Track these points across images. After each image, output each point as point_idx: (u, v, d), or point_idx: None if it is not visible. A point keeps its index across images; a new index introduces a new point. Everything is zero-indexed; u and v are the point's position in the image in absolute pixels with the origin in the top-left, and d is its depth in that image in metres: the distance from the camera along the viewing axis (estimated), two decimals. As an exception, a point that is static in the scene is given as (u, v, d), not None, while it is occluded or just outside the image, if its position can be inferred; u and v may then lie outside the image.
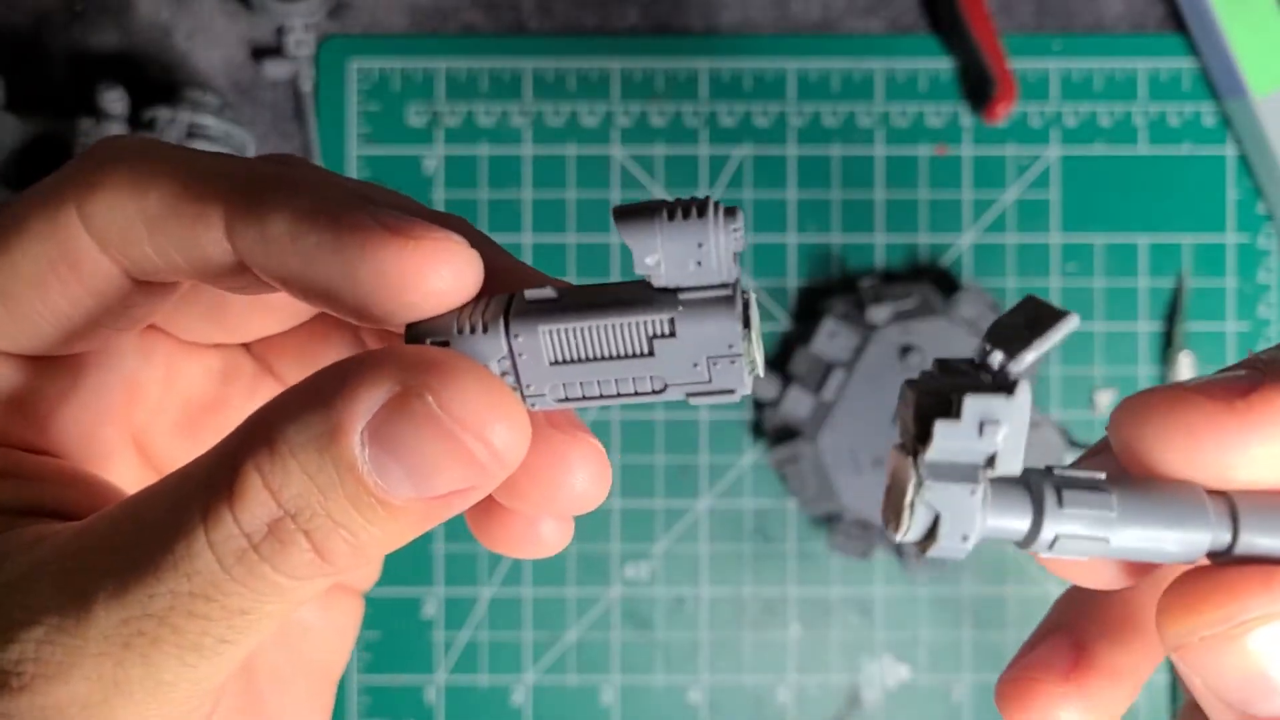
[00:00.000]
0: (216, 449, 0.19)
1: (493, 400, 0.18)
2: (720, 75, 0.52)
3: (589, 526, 0.51)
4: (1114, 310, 0.52)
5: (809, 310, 0.51)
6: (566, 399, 0.19)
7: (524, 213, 0.51)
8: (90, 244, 0.20)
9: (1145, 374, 0.52)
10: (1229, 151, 0.52)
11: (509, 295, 0.19)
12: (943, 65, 0.52)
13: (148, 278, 0.21)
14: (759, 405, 0.51)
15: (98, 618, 0.18)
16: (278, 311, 0.24)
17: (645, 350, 0.18)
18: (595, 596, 0.52)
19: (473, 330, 0.18)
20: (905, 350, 0.48)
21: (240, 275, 0.20)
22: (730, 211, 0.18)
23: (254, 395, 0.26)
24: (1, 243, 0.21)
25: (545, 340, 0.18)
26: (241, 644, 0.19)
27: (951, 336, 0.49)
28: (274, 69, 0.51)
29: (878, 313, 0.48)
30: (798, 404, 0.49)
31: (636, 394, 0.19)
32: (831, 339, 0.49)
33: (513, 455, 0.18)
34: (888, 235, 0.52)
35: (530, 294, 0.19)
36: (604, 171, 0.52)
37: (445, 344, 0.19)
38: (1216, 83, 0.51)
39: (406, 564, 0.51)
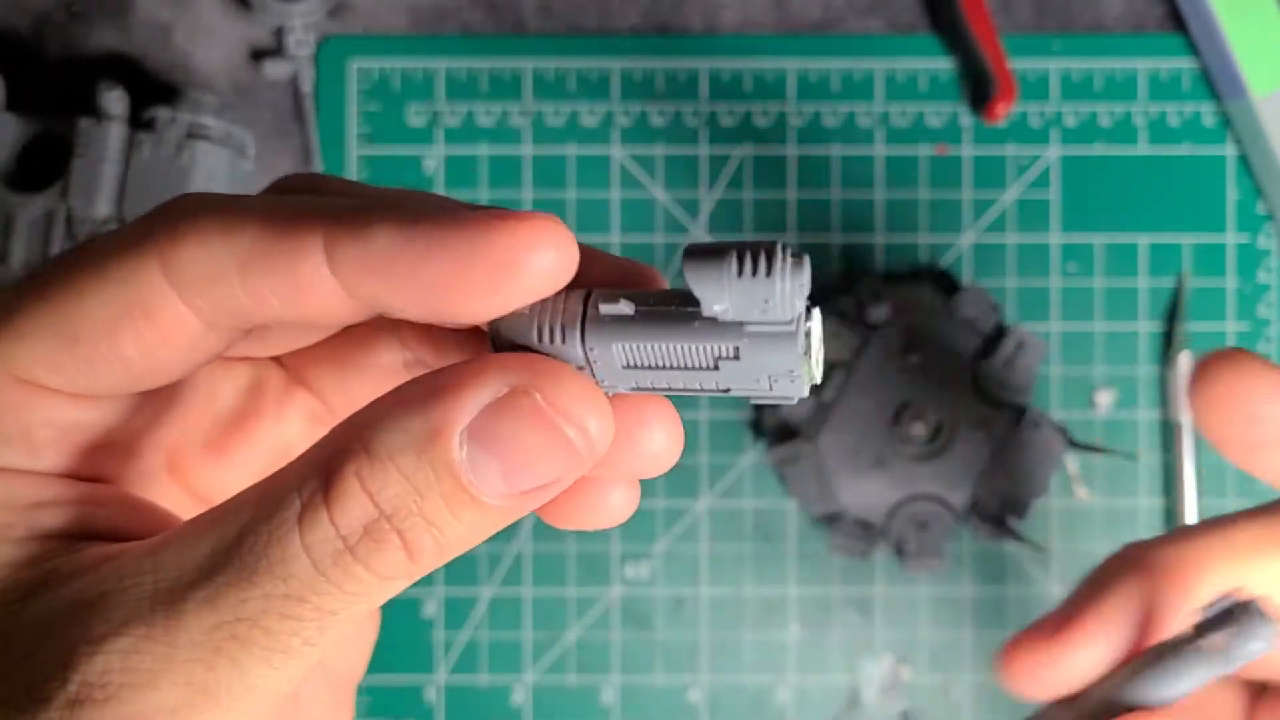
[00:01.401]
0: (305, 459, 0.19)
1: (590, 394, 0.20)
2: (720, 75, 0.52)
3: (589, 526, 0.51)
4: (1114, 310, 0.52)
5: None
6: (637, 388, 0.21)
7: (524, 213, 0.51)
8: (169, 294, 0.20)
9: (1145, 374, 0.52)
10: (1229, 151, 0.52)
11: (583, 298, 0.20)
12: (943, 65, 0.52)
13: (235, 323, 0.21)
14: (758, 405, 0.51)
15: (188, 624, 0.19)
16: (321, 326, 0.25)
17: (711, 366, 0.20)
18: (595, 596, 0.52)
19: (552, 339, 0.20)
20: (905, 349, 0.48)
21: (334, 308, 0.20)
22: (798, 260, 0.19)
23: (283, 407, 0.26)
24: (78, 287, 0.21)
25: (618, 352, 0.20)
26: (321, 646, 0.19)
27: (951, 336, 0.49)
28: (274, 69, 0.51)
29: (878, 312, 0.48)
30: (798, 403, 0.49)
31: (702, 390, 0.20)
32: (832, 339, 0.49)
33: (604, 443, 0.20)
34: (888, 235, 0.52)
35: (605, 308, 0.20)
36: (604, 171, 0.52)
37: (526, 348, 0.20)
38: (1217, 83, 0.51)
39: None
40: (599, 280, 0.21)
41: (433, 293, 0.19)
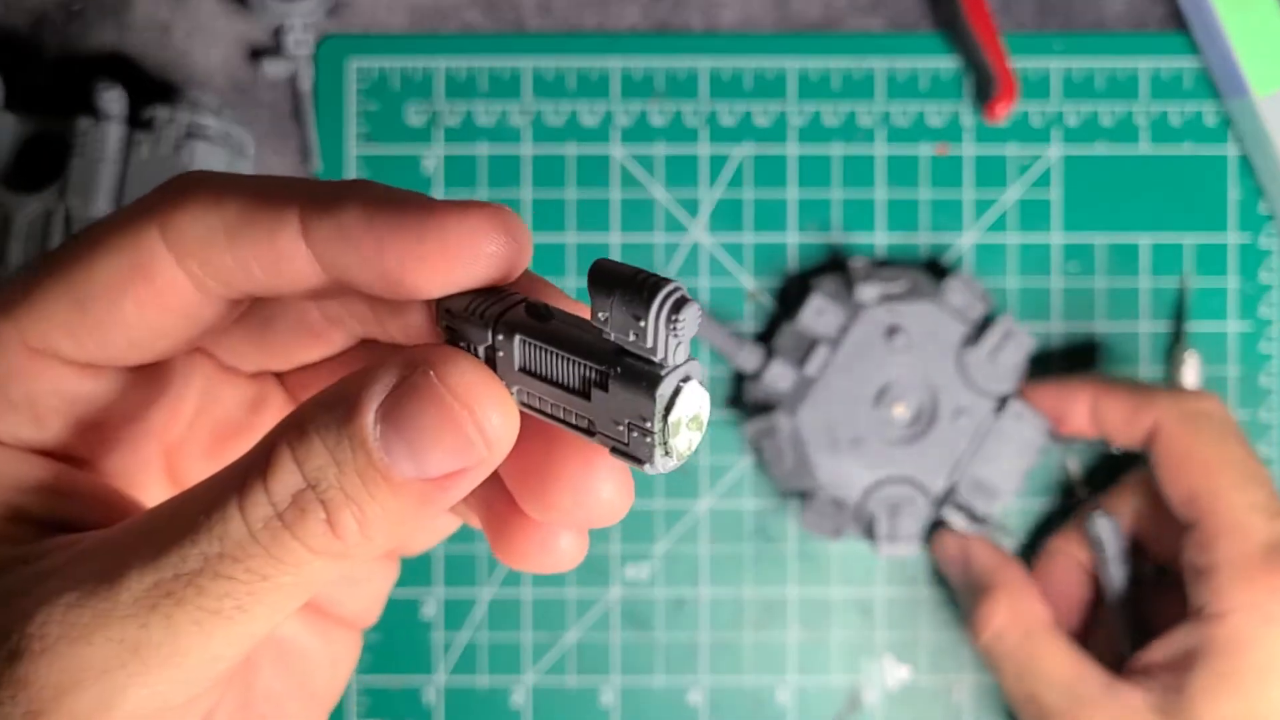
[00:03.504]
0: (255, 445, 0.21)
1: (484, 382, 0.21)
2: (720, 74, 0.51)
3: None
4: (1115, 310, 0.52)
5: (799, 289, 0.51)
6: (526, 405, 0.21)
7: (523, 212, 0.51)
8: (168, 258, 0.22)
9: (1147, 374, 0.52)
10: (1230, 151, 0.52)
11: (519, 299, 0.21)
12: (944, 64, 0.52)
13: (221, 290, 0.23)
14: (740, 378, 0.51)
15: (130, 581, 0.20)
16: (319, 339, 0.27)
17: (582, 390, 0.20)
18: (595, 597, 0.51)
19: (473, 315, 0.21)
20: (891, 331, 0.48)
21: (309, 278, 0.22)
22: (679, 305, 0.19)
23: None
24: (83, 257, 0.23)
25: (518, 348, 0.21)
26: (254, 615, 0.21)
27: (938, 321, 0.48)
28: (273, 68, 0.51)
29: (866, 291, 0.48)
30: (780, 378, 0.49)
31: (574, 426, 0.21)
32: (818, 315, 0.48)
33: (501, 436, 0.21)
34: (889, 235, 0.51)
35: (529, 305, 0.21)
36: (604, 171, 0.51)
37: (453, 318, 0.22)
38: (1218, 82, 0.51)
39: (406, 565, 0.51)
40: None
41: (392, 267, 0.21)
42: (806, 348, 0.49)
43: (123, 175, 0.46)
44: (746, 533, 0.52)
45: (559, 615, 0.51)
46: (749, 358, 0.49)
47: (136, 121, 0.48)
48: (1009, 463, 0.48)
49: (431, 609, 0.51)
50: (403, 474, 0.20)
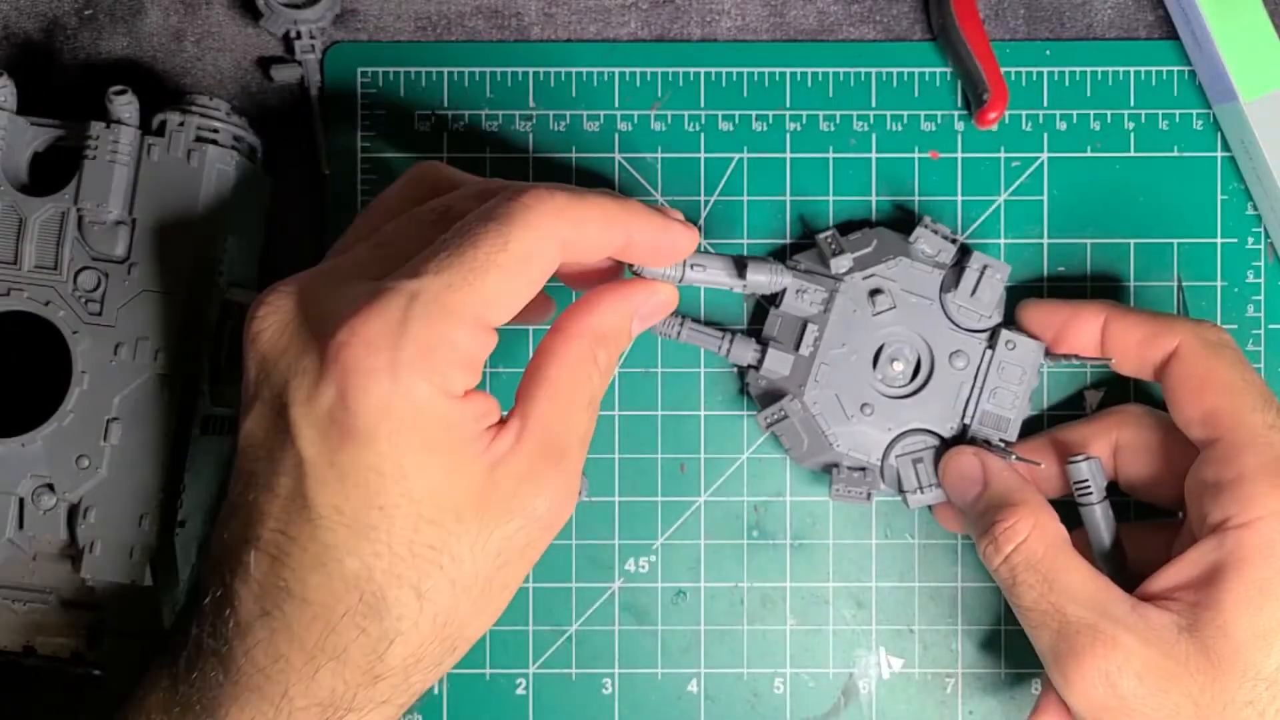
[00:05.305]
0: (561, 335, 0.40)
1: (672, 292, 0.43)
2: (718, 81, 0.52)
3: (591, 522, 0.52)
4: (1104, 311, 0.52)
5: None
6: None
7: (526, 216, 0.52)
8: (553, 249, 0.37)
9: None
10: (1218, 154, 0.52)
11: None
12: (936, 71, 0.52)
13: (570, 264, 0.40)
14: (741, 371, 0.52)
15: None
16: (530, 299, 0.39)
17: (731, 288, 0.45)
18: (596, 590, 0.52)
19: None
20: (874, 293, 0.49)
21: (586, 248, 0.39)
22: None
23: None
24: (516, 250, 0.36)
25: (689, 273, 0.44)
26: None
27: (915, 274, 0.49)
28: (282, 74, 0.52)
29: (840, 264, 0.49)
30: (778, 363, 0.49)
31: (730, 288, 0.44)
32: (799, 296, 0.49)
33: (675, 301, 0.43)
34: (882, 238, 0.52)
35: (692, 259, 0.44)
36: (605, 176, 0.52)
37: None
38: (1206, 88, 0.52)
39: (412, 559, 0.52)
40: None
41: (631, 244, 0.40)
42: (798, 330, 0.49)
43: (135, 179, 0.47)
44: (744, 526, 0.53)
45: (561, 607, 0.52)
46: (743, 351, 0.50)
47: (148, 127, 0.48)
48: (1013, 390, 0.49)
49: (437, 602, 0.52)
50: (636, 329, 0.41)
